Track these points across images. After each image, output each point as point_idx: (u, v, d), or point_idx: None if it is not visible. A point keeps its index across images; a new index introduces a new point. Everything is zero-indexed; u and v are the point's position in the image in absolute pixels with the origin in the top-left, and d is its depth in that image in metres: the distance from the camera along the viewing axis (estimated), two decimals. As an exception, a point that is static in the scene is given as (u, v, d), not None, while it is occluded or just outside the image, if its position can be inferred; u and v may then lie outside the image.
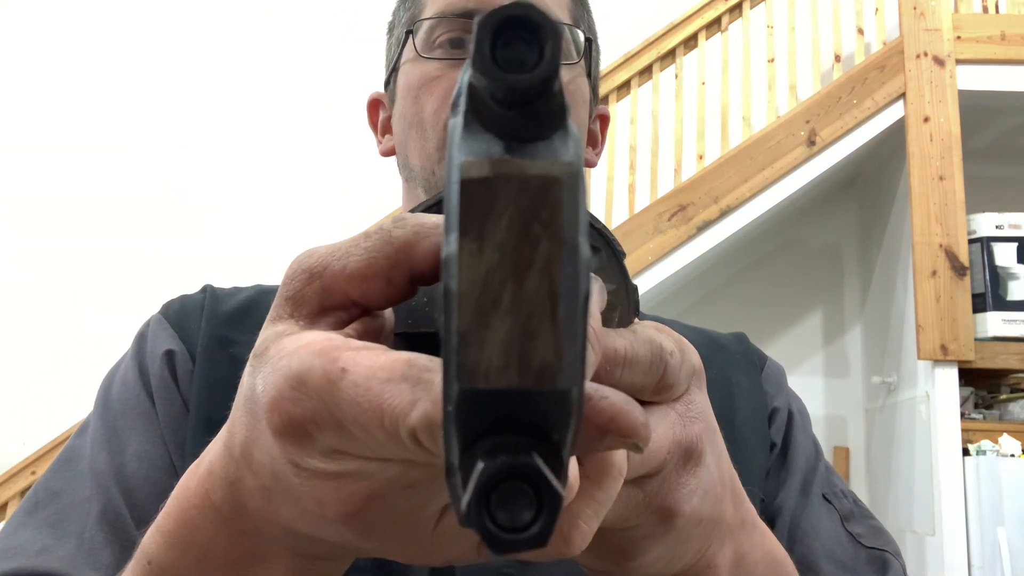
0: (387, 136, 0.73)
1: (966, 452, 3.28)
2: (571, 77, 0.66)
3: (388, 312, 0.29)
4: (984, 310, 3.42)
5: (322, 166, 4.49)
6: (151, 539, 0.33)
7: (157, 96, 4.63)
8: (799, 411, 0.68)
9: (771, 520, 0.62)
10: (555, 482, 0.20)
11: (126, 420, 0.60)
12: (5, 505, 3.26)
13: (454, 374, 0.20)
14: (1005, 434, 3.28)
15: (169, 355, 0.61)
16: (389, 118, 0.72)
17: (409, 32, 0.67)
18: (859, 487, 4.16)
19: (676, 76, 3.77)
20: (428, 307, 0.29)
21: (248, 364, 0.28)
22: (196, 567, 0.31)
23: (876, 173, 4.14)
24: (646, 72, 3.80)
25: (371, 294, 0.27)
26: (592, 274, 0.28)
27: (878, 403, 4.05)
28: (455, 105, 0.22)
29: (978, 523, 3.17)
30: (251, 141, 4.56)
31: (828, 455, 4.38)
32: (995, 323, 3.40)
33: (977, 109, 3.72)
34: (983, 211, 3.54)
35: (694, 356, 0.32)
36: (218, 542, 0.30)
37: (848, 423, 4.28)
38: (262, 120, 4.58)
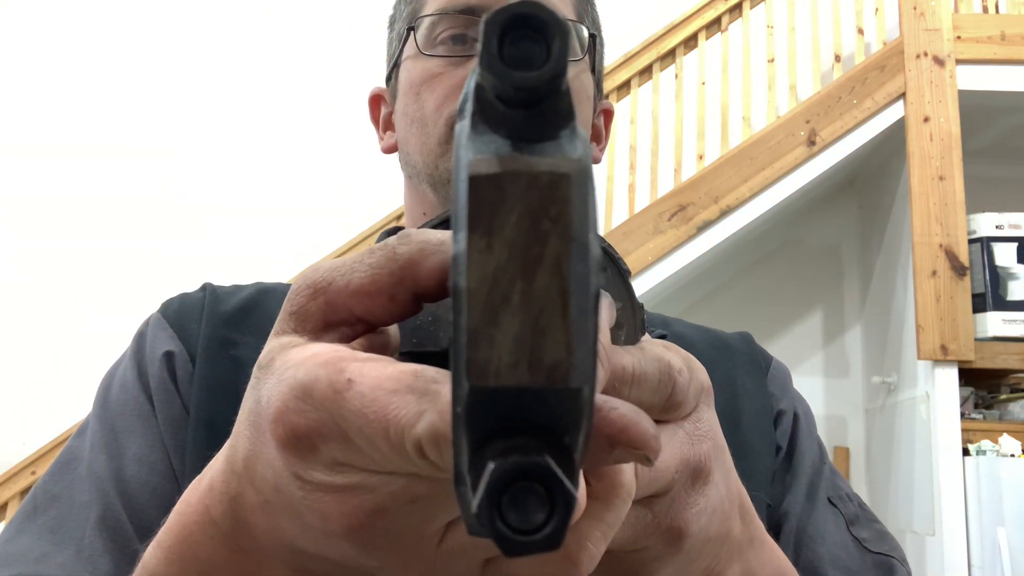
0: (389, 132, 0.72)
1: (966, 452, 3.28)
2: (575, 73, 0.65)
3: (393, 329, 0.29)
4: (984, 310, 3.42)
5: (322, 166, 4.49)
6: (152, 555, 0.33)
7: (157, 96, 4.63)
8: (804, 413, 0.68)
9: (777, 525, 0.61)
10: (568, 483, 0.19)
11: (125, 422, 0.59)
12: (5, 505, 3.26)
13: (463, 372, 0.19)
14: (1005, 434, 3.28)
15: (168, 356, 0.60)
16: (391, 114, 0.71)
17: (411, 28, 0.66)
18: (859, 487, 4.16)
19: (676, 76, 3.77)
20: (433, 326, 0.28)
21: (253, 376, 0.28)
22: None
23: (876, 173, 4.14)
24: (646, 72, 3.80)
25: (375, 310, 0.27)
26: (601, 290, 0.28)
27: (878, 403, 4.05)
28: (462, 110, 0.22)
29: (978, 523, 3.17)
30: (251, 141, 4.56)
31: (828, 455, 4.40)
32: (995, 323, 3.40)
33: (977, 109, 3.72)
34: (983, 211, 3.54)
35: (702, 374, 0.32)
36: (218, 558, 0.30)
37: (848, 423, 4.28)
38: (262, 120, 4.58)
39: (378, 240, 0.77)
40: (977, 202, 3.60)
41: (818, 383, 4.31)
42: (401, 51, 0.68)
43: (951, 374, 3.34)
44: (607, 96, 3.69)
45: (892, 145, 3.73)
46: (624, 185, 3.77)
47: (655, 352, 0.29)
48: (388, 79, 0.72)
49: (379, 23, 0.75)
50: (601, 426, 0.23)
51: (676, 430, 0.30)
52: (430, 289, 0.26)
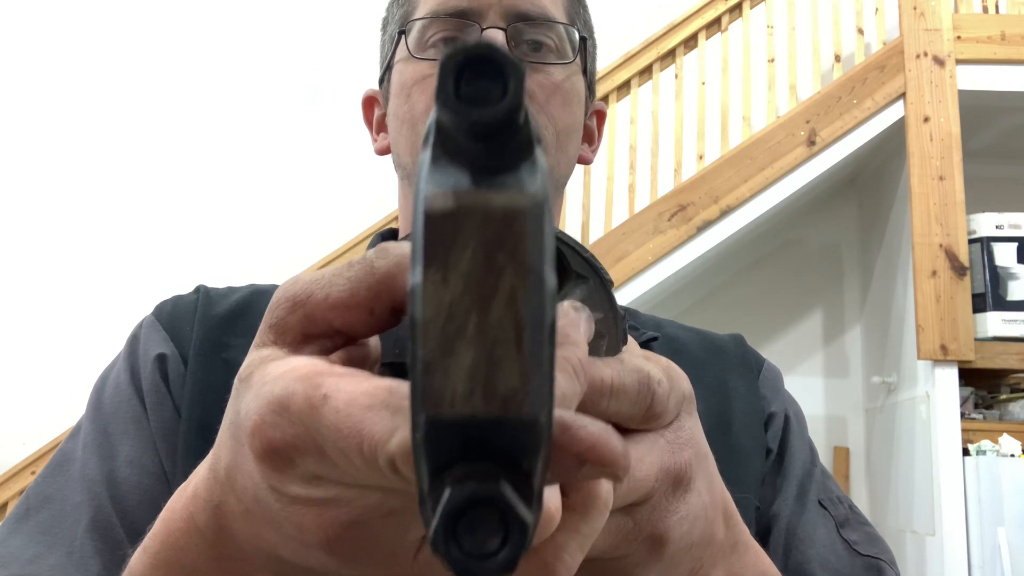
0: (382, 134, 0.72)
1: (966, 452, 3.28)
2: (567, 76, 0.65)
3: (374, 340, 0.29)
4: (984, 310, 3.42)
5: (320, 167, 4.49)
6: (138, 560, 0.33)
7: (157, 95, 4.63)
8: (796, 415, 0.68)
9: (767, 527, 0.61)
10: (523, 510, 0.20)
11: (118, 425, 0.59)
12: (5, 505, 3.26)
13: (420, 402, 0.20)
14: (1005, 434, 3.28)
15: (161, 359, 0.60)
16: (384, 116, 0.71)
17: (402, 32, 0.67)
18: (859, 487, 4.16)
19: (676, 76, 3.77)
20: None
21: (233, 387, 0.28)
22: None
23: (876, 173, 4.14)
24: (646, 72, 3.80)
25: (354, 323, 0.27)
26: (580, 304, 0.28)
27: (878, 403, 4.05)
28: (425, 139, 0.22)
29: (978, 523, 3.17)
30: (249, 141, 4.56)
31: (828, 455, 4.38)
32: (995, 323, 3.40)
33: (977, 109, 3.72)
34: (983, 211, 3.54)
35: (684, 382, 0.32)
36: (202, 565, 0.30)
37: (848, 423, 4.28)
38: (259, 120, 4.58)
39: (372, 242, 0.77)
40: (977, 202, 3.60)
41: (818, 383, 4.31)
42: (393, 54, 0.68)
43: (951, 374, 3.34)
44: (606, 96, 3.70)
45: (892, 145, 3.73)
46: (624, 185, 3.77)
47: (634, 364, 0.29)
48: (381, 81, 0.72)
49: (378, 22, 0.75)
50: (568, 444, 0.23)
51: (657, 439, 0.30)
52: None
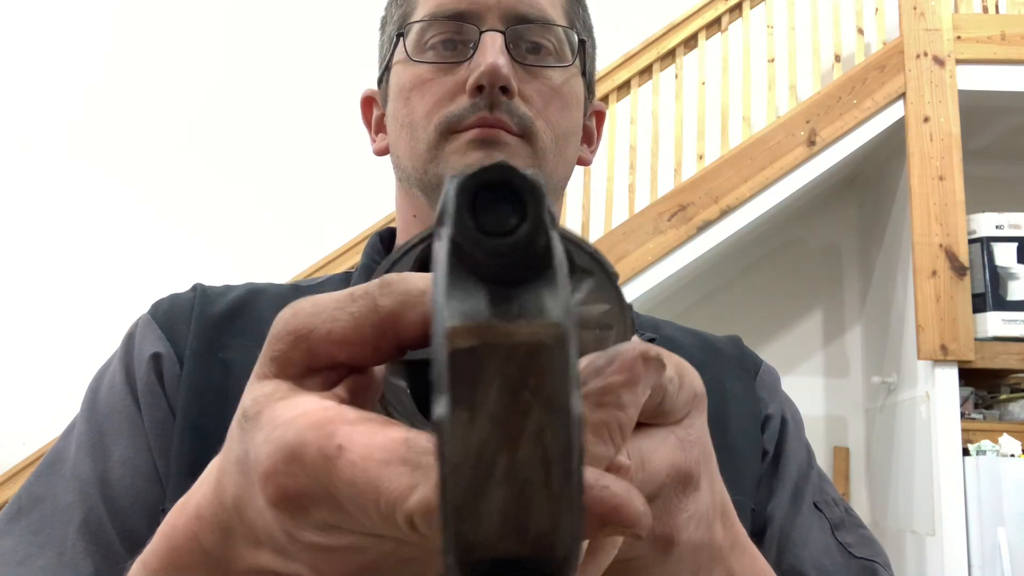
0: (381, 135, 0.72)
1: (966, 452, 3.28)
2: (565, 78, 0.65)
3: (379, 368, 0.28)
4: (984, 310, 3.42)
5: (317, 166, 4.49)
6: (139, 575, 0.33)
7: (156, 97, 4.63)
8: (793, 417, 0.68)
9: (761, 528, 0.61)
10: None
11: (112, 424, 0.59)
12: (5, 505, 3.26)
13: (451, 544, 0.20)
14: (1005, 434, 3.28)
15: (156, 358, 0.60)
16: (383, 116, 0.71)
17: (400, 34, 0.66)
18: (859, 487, 4.16)
19: (676, 76, 3.77)
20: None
21: (237, 422, 0.27)
22: None
23: (876, 173, 4.14)
24: (646, 72, 3.79)
25: (358, 358, 0.27)
26: (655, 353, 0.28)
27: (878, 403, 4.05)
28: (441, 220, 0.21)
29: (978, 523, 3.17)
30: (247, 140, 4.56)
31: (828, 455, 4.38)
32: (995, 323, 3.40)
33: (977, 109, 3.72)
34: (983, 211, 3.54)
35: (696, 381, 0.32)
36: None
37: (848, 423, 4.28)
38: (257, 119, 4.58)
39: (369, 243, 0.76)
40: (977, 202, 3.60)
41: (818, 383, 4.31)
42: (392, 55, 0.68)
43: (951, 374, 3.34)
44: (607, 96, 3.70)
45: (892, 145, 3.73)
46: (624, 185, 3.77)
47: (645, 355, 0.29)
48: (380, 81, 0.71)
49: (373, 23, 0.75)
50: (592, 506, 0.23)
51: (668, 435, 0.30)
52: (414, 340, 0.26)
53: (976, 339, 3.37)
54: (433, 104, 0.63)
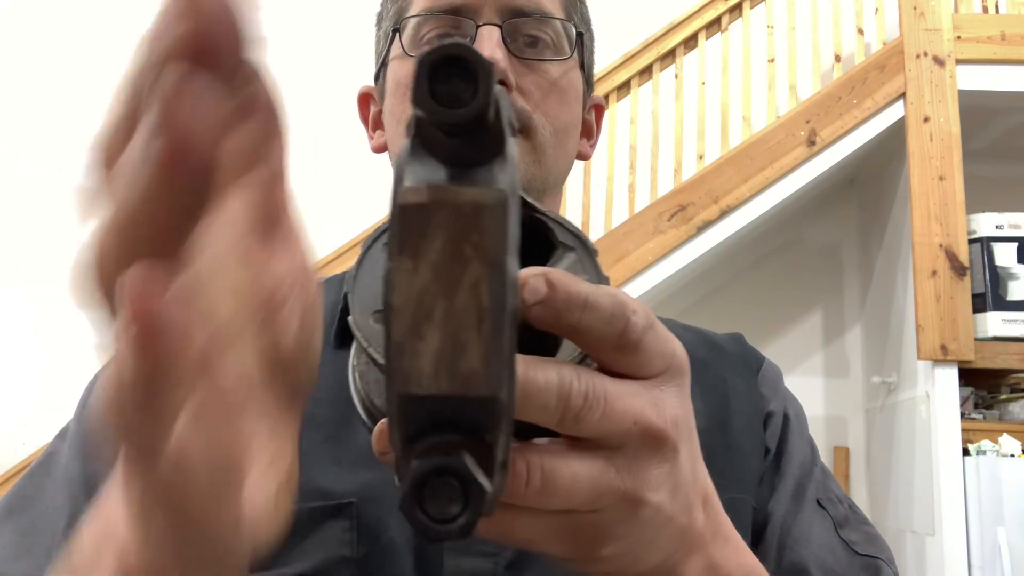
0: (378, 131, 0.72)
1: (966, 452, 3.28)
2: (563, 71, 0.65)
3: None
4: (984, 310, 3.42)
5: (316, 166, 4.49)
6: None
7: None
8: (795, 414, 0.68)
9: (762, 526, 0.61)
10: (482, 479, 0.22)
11: (102, 426, 0.58)
12: (5, 505, 3.26)
13: (392, 380, 0.22)
14: (1005, 434, 3.28)
15: None
16: (380, 113, 0.71)
17: (396, 29, 0.66)
18: (859, 487, 4.16)
19: (676, 76, 3.77)
20: None
21: None
22: None
23: (876, 173, 4.14)
24: (646, 72, 3.79)
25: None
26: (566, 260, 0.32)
27: (878, 403, 4.05)
28: (408, 129, 0.24)
29: (978, 523, 3.17)
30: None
31: (828, 455, 4.37)
32: (995, 323, 3.40)
33: (977, 109, 3.72)
34: (983, 211, 3.54)
35: (676, 346, 0.32)
36: None
37: (848, 423, 4.28)
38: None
39: (367, 241, 0.76)
40: (977, 202, 3.60)
41: (818, 383, 4.31)
42: (388, 51, 0.68)
43: (951, 374, 3.34)
44: (607, 96, 3.70)
45: (892, 145, 3.73)
46: (624, 185, 3.77)
47: (611, 289, 0.30)
48: (376, 78, 0.71)
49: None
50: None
51: (639, 389, 0.31)
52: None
53: (976, 339, 3.37)
54: None
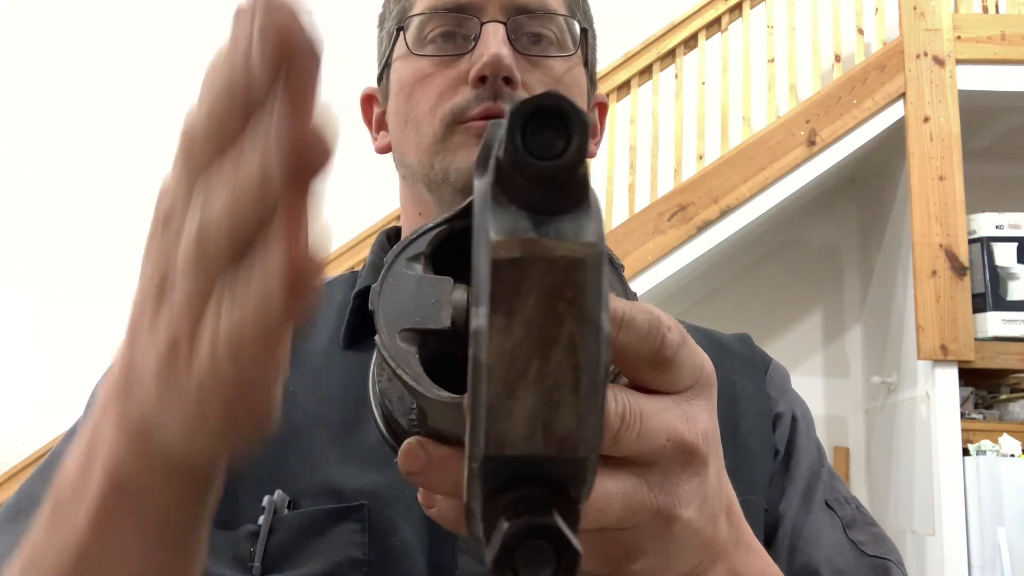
0: (382, 133, 0.71)
1: (966, 452, 3.28)
2: (567, 68, 0.65)
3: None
4: (984, 310, 3.42)
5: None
6: None
7: (156, 95, 4.63)
8: (803, 416, 0.68)
9: (773, 527, 0.61)
10: (574, 541, 0.21)
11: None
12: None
13: (481, 440, 0.21)
14: (1005, 434, 3.28)
15: None
16: (384, 114, 0.70)
17: (400, 28, 0.66)
18: (859, 487, 4.16)
19: (676, 76, 3.77)
20: (436, 306, 0.29)
21: None
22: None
23: (876, 173, 4.14)
24: (646, 72, 3.79)
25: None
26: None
27: (878, 403, 4.05)
28: (481, 161, 0.23)
29: (978, 523, 3.17)
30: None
31: (828, 455, 4.39)
32: (995, 323, 3.40)
33: (977, 109, 3.72)
34: (983, 211, 3.54)
35: (704, 359, 0.33)
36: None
37: (848, 423, 4.28)
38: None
39: (376, 241, 0.75)
40: (977, 202, 3.60)
41: (818, 383, 4.31)
42: (392, 51, 0.67)
43: (951, 374, 3.34)
44: (608, 95, 3.69)
45: (892, 145, 3.73)
46: (624, 185, 3.76)
47: (646, 306, 0.30)
48: (379, 79, 0.71)
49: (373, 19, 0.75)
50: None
51: (671, 405, 0.31)
52: None
53: (976, 339, 3.37)
54: (436, 97, 0.62)
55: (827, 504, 0.63)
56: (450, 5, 0.63)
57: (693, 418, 0.31)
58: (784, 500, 0.62)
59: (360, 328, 0.62)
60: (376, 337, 0.30)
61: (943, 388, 3.33)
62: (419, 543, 0.51)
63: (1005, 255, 3.47)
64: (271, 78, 0.25)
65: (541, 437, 0.21)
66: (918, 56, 3.64)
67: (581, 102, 0.67)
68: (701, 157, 3.62)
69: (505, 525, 0.21)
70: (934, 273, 3.41)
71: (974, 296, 3.42)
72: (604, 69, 3.68)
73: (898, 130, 3.62)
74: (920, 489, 3.44)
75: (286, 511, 0.53)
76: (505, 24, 0.62)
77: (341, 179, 3.97)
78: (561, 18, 0.65)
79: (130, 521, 0.32)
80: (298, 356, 0.60)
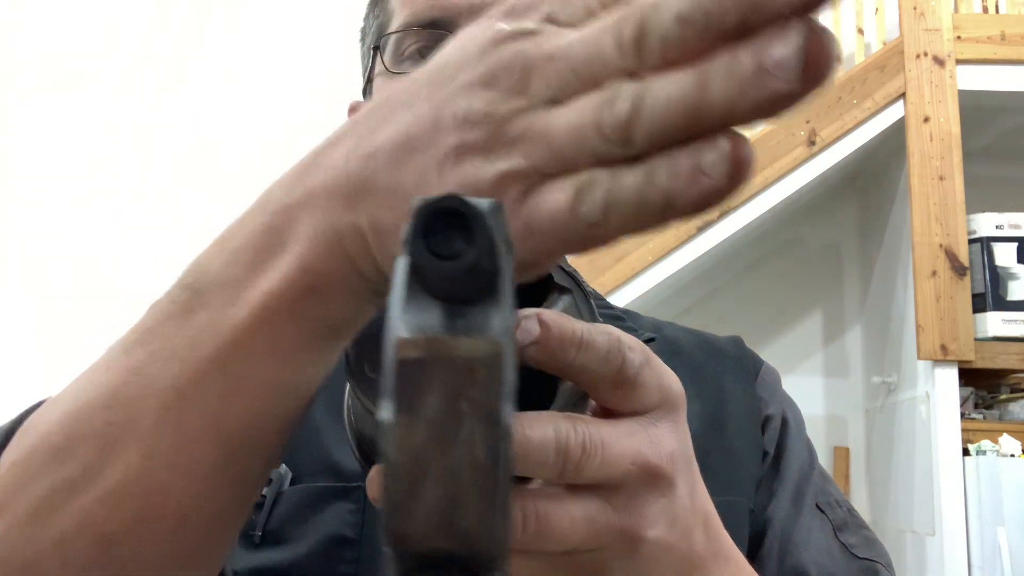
0: None
1: (966, 452, 3.28)
2: None
3: None
4: (984, 310, 3.42)
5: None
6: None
7: (156, 95, 4.63)
8: (794, 418, 0.68)
9: (761, 531, 0.61)
10: None
11: None
12: (5, 505, 3.26)
13: (387, 535, 0.22)
14: (1005, 434, 3.28)
15: None
16: None
17: (376, 48, 0.66)
18: (859, 487, 4.16)
19: (676, 76, 3.77)
20: None
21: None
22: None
23: (876, 173, 4.14)
24: (646, 72, 3.79)
25: None
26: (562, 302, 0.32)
27: (878, 403, 4.05)
28: (405, 242, 0.23)
29: (978, 523, 3.17)
30: (249, 145, 4.56)
31: (828, 455, 4.36)
32: (995, 323, 3.40)
33: (977, 109, 3.72)
34: (983, 211, 3.54)
35: (673, 381, 0.32)
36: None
37: (848, 423, 4.28)
38: (259, 124, 4.58)
39: None
40: (977, 202, 3.60)
41: (818, 383, 4.31)
42: (372, 67, 0.68)
43: (951, 374, 3.34)
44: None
45: (892, 145, 3.73)
46: (624, 185, 3.76)
47: (607, 327, 0.30)
48: (364, 93, 0.71)
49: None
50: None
51: (636, 429, 0.31)
52: None
53: (976, 339, 3.37)
54: None
55: (818, 507, 0.63)
56: (425, 21, 0.62)
57: (658, 440, 0.31)
58: (774, 503, 0.62)
59: None
60: (344, 364, 0.30)
61: (943, 388, 3.33)
62: None
63: (1005, 255, 3.47)
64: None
65: (444, 534, 0.22)
66: (918, 56, 3.64)
67: None
68: (701, 157, 3.61)
69: None
70: (934, 273, 3.41)
71: (974, 296, 3.42)
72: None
73: (898, 130, 3.62)
74: (920, 489, 3.44)
75: (287, 485, 0.55)
76: None
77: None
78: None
79: (297, 326, 0.30)
80: None
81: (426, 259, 0.21)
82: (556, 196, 0.25)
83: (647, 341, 0.67)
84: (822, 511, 0.63)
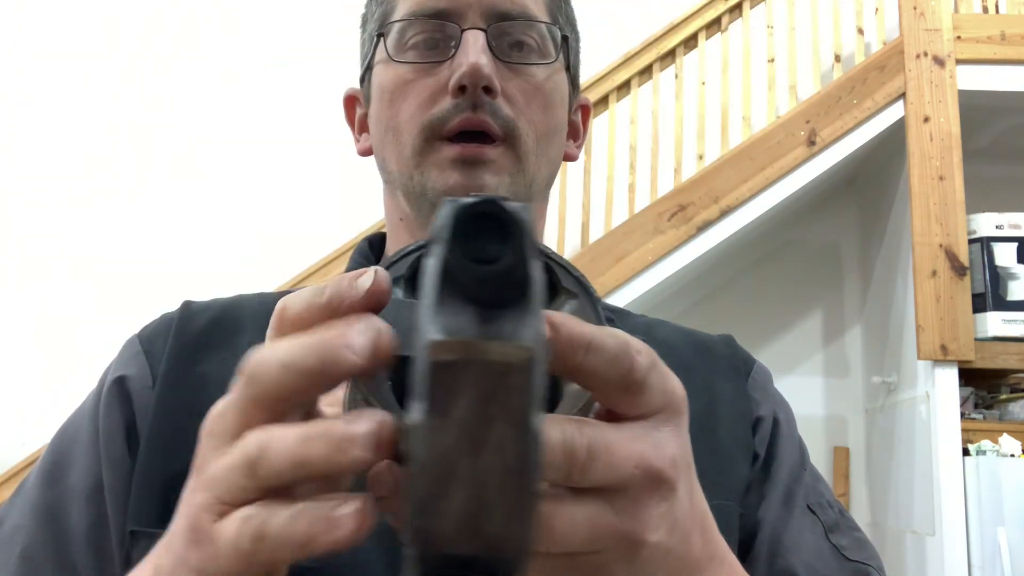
0: (364, 135, 0.71)
1: (966, 452, 3.28)
2: (548, 75, 0.65)
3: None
4: (984, 310, 3.42)
5: (309, 171, 4.49)
6: None
7: (156, 94, 4.63)
8: (786, 418, 0.67)
9: (752, 533, 0.61)
10: None
11: (72, 450, 0.59)
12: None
13: (412, 536, 0.22)
14: (1005, 434, 3.28)
15: (120, 382, 0.60)
16: (366, 115, 0.70)
17: (380, 34, 0.65)
18: (859, 487, 4.16)
19: (676, 76, 3.77)
20: (411, 332, 0.30)
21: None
22: None
23: (876, 173, 4.14)
24: (646, 72, 3.79)
25: (315, 395, 0.29)
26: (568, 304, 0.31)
27: (878, 403, 4.05)
28: (433, 239, 0.23)
29: (978, 523, 3.17)
30: (245, 145, 4.56)
31: (828, 455, 4.36)
32: (995, 323, 3.40)
33: (977, 109, 3.72)
34: (983, 211, 3.54)
35: (677, 385, 0.33)
36: None
37: (848, 423, 4.28)
38: (255, 124, 4.58)
39: (355, 251, 0.75)
40: (977, 202, 3.60)
41: (818, 383, 4.31)
42: (373, 54, 0.67)
43: (951, 374, 3.34)
44: (607, 96, 3.70)
45: (892, 145, 3.73)
46: (624, 185, 3.77)
47: (617, 331, 0.30)
48: (362, 80, 0.70)
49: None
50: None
51: (640, 432, 0.31)
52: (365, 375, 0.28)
53: (976, 339, 3.37)
54: (416, 107, 0.62)
55: (809, 508, 0.62)
56: (430, 12, 0.62)
57: (662, 444, 0.31)
58: (764, 504, 0.62)
59: None
60: None
61: (943, 388, 3.33)
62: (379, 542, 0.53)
63: (1005, 255, 3.47)
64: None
65: (469, 536, 0.22)
66: (918, 56, 3.64)
67: (561, 110, 0.67)
68: (701, 157, 3.62)
69: None
70: (934, 273, 3.41)
71: (974, 296, 3.42)
72: (604, 69, 3.69)
73: (898, 130, 3.62)
74: (920, 489, 3.44)
75: None
76: (486, 31, 0.61)
77: (339, 181, 3.96)
78: (542, 25, 0.64)
79: None
80: None
81: (462, 262, 0.21)
82: (227, 525, 0.29)
83: None
84: (813, 512, 0.62)
